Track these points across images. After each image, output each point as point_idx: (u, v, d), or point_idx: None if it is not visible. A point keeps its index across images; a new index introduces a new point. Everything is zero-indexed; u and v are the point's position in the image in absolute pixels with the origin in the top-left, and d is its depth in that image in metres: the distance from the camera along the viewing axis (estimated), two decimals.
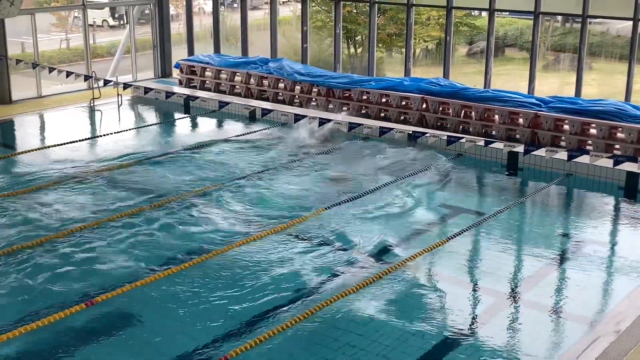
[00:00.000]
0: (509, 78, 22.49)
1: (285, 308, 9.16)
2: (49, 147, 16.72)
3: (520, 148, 14.46)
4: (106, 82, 19.82)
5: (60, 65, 22.56)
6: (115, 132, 17.93)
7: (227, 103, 19.31)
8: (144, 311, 9.18)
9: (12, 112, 20.16)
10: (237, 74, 22.01)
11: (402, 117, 18.69)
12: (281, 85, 21.11)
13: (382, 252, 10.96)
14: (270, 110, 18.25)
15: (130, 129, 18.53)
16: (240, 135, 17.82)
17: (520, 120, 17.06)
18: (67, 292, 9.46)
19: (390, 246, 11.21)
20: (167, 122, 20.13)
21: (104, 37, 30.49)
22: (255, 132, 18.06)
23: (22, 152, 16.31)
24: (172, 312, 9.16)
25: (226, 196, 13.15)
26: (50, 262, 10.29)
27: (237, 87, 21.98)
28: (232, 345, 8.26)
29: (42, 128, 19.89)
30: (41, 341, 8.38)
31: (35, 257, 10.38)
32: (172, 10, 25.76)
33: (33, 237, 11.07)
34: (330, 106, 19.70)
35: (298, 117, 16.51)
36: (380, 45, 25.15)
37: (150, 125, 19.53)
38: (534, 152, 14.22)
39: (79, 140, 17.08)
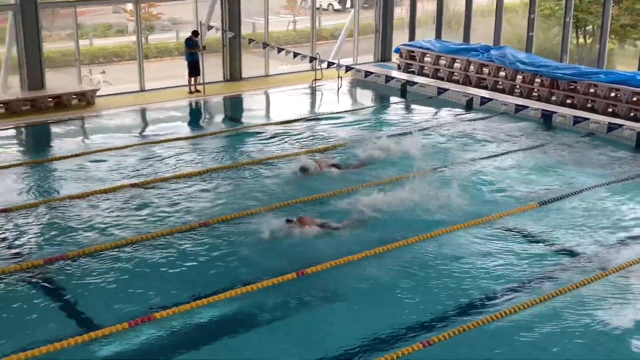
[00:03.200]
0: None
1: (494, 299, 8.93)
2: (271, 123, 17.52)
3: None
4: (329, 64, 20.38)
5: (286, 46, 23.54)
6: (334, 113, 18.44)
7: (446, 90, 19.13)
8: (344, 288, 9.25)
9: (241, 89, 21.42)
10: (457, 60, 21.71)
11: (632, 114, 17.43)
12: (502, 73, 20.52)
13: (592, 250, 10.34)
14: (489, 99, 17.83)
15: (348, 111, 18.92)
16: (461, 122, 17.60)
17: None
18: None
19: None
20: (383, 106, 20.35)
21: (329, 20, 31.42)
22: (475, 120, 17.73)
23: (246, 127, 17.25)
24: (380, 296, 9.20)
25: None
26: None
27: (455, 74, 21.70)
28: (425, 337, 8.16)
29: (267, 105, 20.90)
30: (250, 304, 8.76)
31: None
32: None
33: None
34: (553, 98, 18.85)
35: (519, 108, 15.97)
36: (612, 36, 23.60)
37: (367, 107, 19.82)
38: None
39: (300, 119, 17.76)
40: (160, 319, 8.13)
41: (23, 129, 17.20)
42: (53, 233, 10.58)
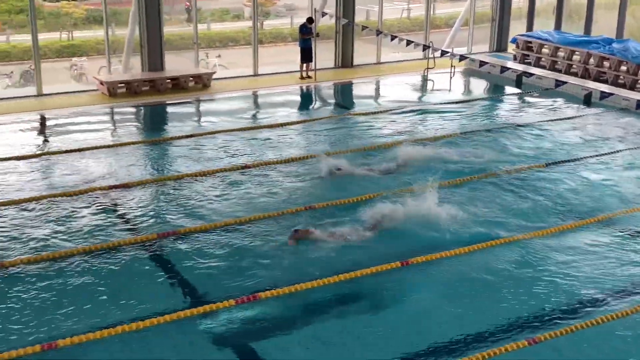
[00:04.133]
0: None
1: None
2: (380, 111, 17.46)
3: None
4: (443, 53, 20.10)
5: (399, 33, 23.38)
6: (444, 102, 18.19)
7: (564, 82, 18.49)
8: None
9: (352, 76, 21.45)
10: (576, 52, 20.95)
11: None
12: (623, 68, 19.65)
13: None
14: (609, 94, 17.10)
15: (460, 101, 18.61)
16: (579, 116, 16.99)
17: None
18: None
19: None
20: (499, 97, 19.89)
21: (443, 8, 30.95)
22: (593, 114, 17.07)
23: (355, 113, 17.26)
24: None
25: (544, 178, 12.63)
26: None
27: (574, 66, 20.95)
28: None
29: (377, 93, 20.84)
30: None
31: None
32: None
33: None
34: None
35: None
36: None
37: (481, 99, 19.42)
38: None
39: (409, 108, 17.61)
40: (265, 299, 8.25)
41: (142, 109, 17.89)
42: (166, 209, 10.94)
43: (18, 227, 10.17)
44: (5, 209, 10.76)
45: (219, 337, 7.63)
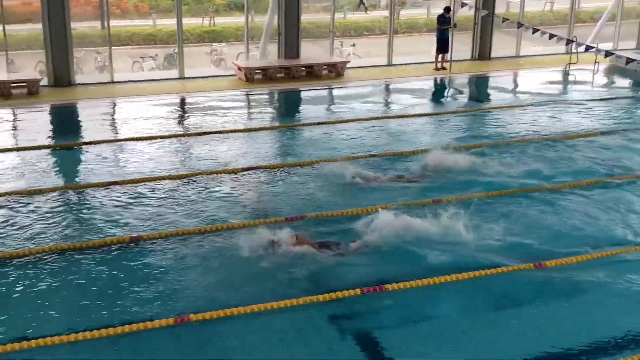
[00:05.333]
0: None
1: None
2: (515, 106, 16.89)
3: None
4: (587, 48, 19.20)
5: (541, 26, 22.56)
6: (585, 100, 17.39)
7: None
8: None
9: (488, 69, 20.93)
10: None
11: None
12: None
13: None
14: None
15: (602, 99, 17.71)
16: None
17: None
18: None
19: None
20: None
21: (589, 2, 29.63)
22: None
23: (488, 107, 16.79)
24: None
25: None
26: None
27: None
28: None
29: (514, 87, 20.22)
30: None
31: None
32: None
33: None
34: None
35: None
36: None
37: (625, 97, 18.40)
38: None
39: (546, 103, 16.95)
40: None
41: (276, 95, 18.23)
42: (294, 194, 10.97)
43: (153, 203, 10.52)
44: (137, 186, 11.14)
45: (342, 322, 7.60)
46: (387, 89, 19.21)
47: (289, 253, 8.67)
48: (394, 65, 21.29)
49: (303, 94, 18.34)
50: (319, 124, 15.04)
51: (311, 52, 21.01)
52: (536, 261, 8.73)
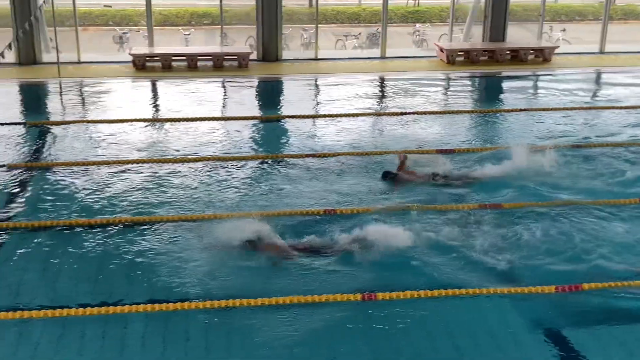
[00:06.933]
0: None
1: None
2: None
3: None
4: None
5: None
6: None
7: None
8: None
9: None
10: None
11: None
12: None
13: None
14: None
15: None
16: None
17: None
18: None
19: None
20: None
21: None
22: None
23: None
24: None
25: None
26: None
27: None
28: None
29: None
30: None
31: None
32: None
33: None
34: None
35: None
36: None
37: None
38: None
39: None
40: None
41: (478, 79, 17.83)
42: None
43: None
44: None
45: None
46: (596, 78, 18.10)
47: None
48: (607, 53, 20.04)
49: (506, 79, 17.77)
50: (520, 110, 14.50)
51: (517, 35, 20.29)
52: None
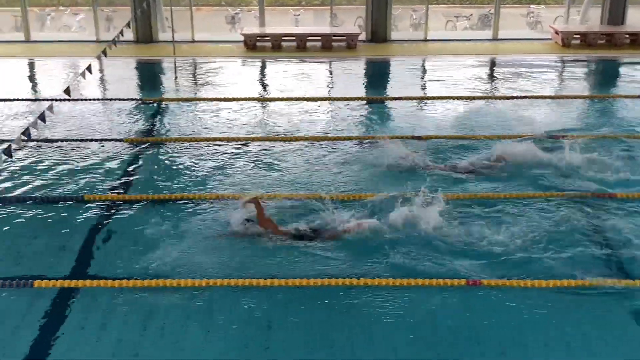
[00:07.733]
0: None
1: None
2: None
3: None
4: None
5: None
6: None
7: None
8: None
9: None
10: None
11: None
12: None
13: None
14: None
15: None
16: None
17: None
18: None
19: None
20: None
21: None
22: None
23: None
24: None
25: None
26: None
27: None
28: None
29: None
30: None
31: None
32: None
33: None
34: None
35: None
36: None
37: None
38: None
39: None
40: None
41: (593, 63, 17.19)
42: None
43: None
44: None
45: None
46: None
47: None
48: None
49: (625, 64, 17.02)
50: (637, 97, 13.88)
51: (637, 18, 19.39)
52: None
